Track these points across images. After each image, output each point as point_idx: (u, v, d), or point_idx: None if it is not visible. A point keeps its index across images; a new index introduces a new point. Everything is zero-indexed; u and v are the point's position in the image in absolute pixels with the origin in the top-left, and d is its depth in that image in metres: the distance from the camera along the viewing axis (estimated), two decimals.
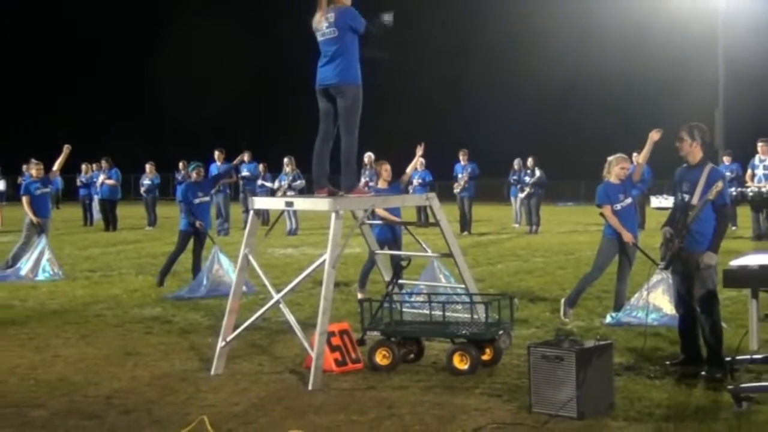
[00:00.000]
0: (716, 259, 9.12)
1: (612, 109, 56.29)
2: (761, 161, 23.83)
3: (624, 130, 29.82)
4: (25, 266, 17.51)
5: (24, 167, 24.16)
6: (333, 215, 9.20)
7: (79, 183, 34.23)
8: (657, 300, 11.71)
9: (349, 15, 9.36)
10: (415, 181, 26.51)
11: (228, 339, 9.66)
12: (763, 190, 23.07)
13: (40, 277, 17.26)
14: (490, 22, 60.33)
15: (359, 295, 13.43)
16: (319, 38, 9.48)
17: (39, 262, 17.54)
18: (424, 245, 12.19)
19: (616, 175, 12.37)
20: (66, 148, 18.31)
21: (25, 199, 18.28)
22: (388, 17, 9.43)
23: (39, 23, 69.29)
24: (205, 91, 67.22)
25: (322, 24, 9.40)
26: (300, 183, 27.96)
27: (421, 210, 26.78)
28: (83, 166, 33.83)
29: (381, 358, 9.58)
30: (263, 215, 13.99)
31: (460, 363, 9.32)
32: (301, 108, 12.61)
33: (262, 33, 64.03)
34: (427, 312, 10.21)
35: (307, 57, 9.79)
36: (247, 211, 10.87)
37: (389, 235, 13.74)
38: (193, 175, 16.77)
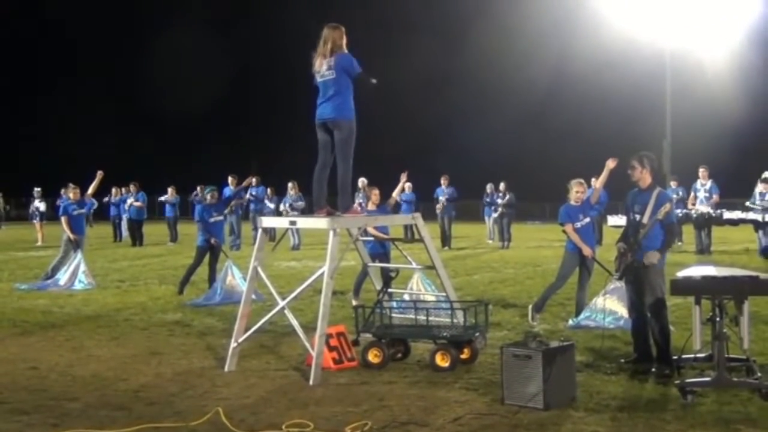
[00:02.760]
0: (657, 258, 9.14)
1: (573, 140, 56.33)
2: (702, 185, 24.01)
3: (584, 158, 29.90)
4: (62, 277, 17.47)
5: (62, 191, 24.13)
6: (331, 233, 9.21)
7: (108, 201, 34.11)
8: (613, 306, 11.72)
9: (346, 60, 9.42)
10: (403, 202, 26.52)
11: (239, 340, 9.65)
12: (704, 211, 23.22)
13: (76, 286, 17.20)
14: (463, 56, 60.16)
15: (354, 302, 13.43)
16: (319, 79, 9.52)
17: (75, 274, 17.50)
18: (410, 259, 12.21)
19: (573, 198, 12.43)
20: (99, 174, 18.34)
21: (63, 219, 18.25)
22: (374, 81, 9.54)
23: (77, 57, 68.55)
24: (224, 126, 67.30)
25: (323, 67, 9.45)
26: (300, 204, 28.05)
27: (408, 228, 26.82)
28: (113, 190, 33.84)
29: (373, 357, 9.58)
30: (270, 232, 13.91)
31: (442, 361, 9.33)
32: (303, 139, 12.64)
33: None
34: (413, 317, 10.23)
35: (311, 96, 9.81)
36: (256, 229, 10.86)
37: (380, 249, 13.75)
38: (208, 197, 16.77)
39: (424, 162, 44.15)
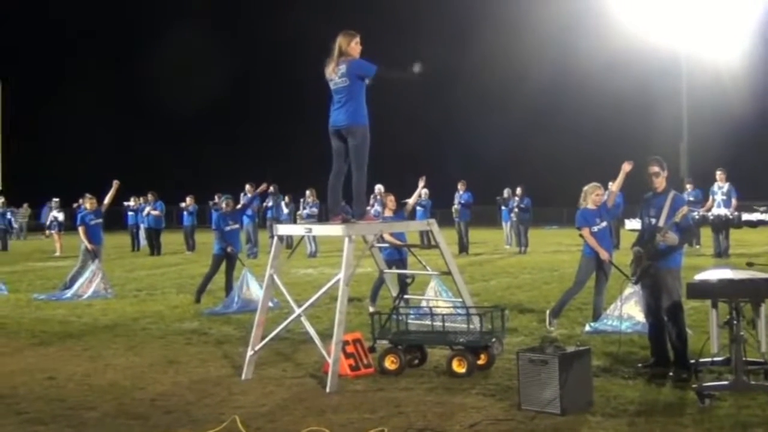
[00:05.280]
0: (674, 241, 9.13)
1: (588, 145, 56.13)
2: (719, 188, 23.84)
3: (599, 162, 29.80)
4: (79, 286, 17.54)
5: (80, 200, 24.27)
6: (346, 240, 9.22)
7: (127, 207, 34.20)
8: (630, 310, 11.68)
9: (358, 66, 9.42)
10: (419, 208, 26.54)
11: (256, 348, 9.67)
12: (721, 214, 23.08)
13: (89, 294, 17.29)
14: (472, 58, 59.85)
15: (370, 309, 13.41)
16: (332, 86, 9.53)
17: (92, 283, 17.59)
18: (426, 265, 12.20)
19: (592, 202, 12.40)
20: (115, 183, 18.39)
21: (81, 229, 18.33)
22: (418, 68, 9.54)
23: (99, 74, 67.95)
24: (239, 136, 67.33)
25: (335, 74, 9.46)
26: (313, 210, 28.16)
27: (424, 234, 26.80)
28: (132, 199, 33.94)
29: (389, 363, 9.57)
30: (286, 240, 13.92)
31: (459, 367, 9.32)
32: (319, 147, 12.66)
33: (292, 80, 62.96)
34: (430, 323, 10.22)
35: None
36: (272, 237, 10.87)
37: (396, 256, 13.74)
38: (224, 205, 16.81)
39: (439, 167, 44.04)
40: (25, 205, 46.65)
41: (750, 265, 8.31)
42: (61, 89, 64.57)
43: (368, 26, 10.45)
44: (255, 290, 15.09)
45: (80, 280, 17.65)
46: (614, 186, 12.93)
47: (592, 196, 12.44)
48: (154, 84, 59.04)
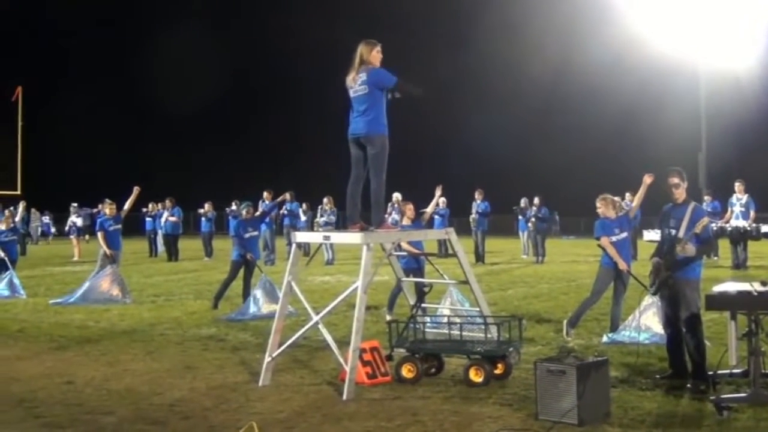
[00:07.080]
0: (692, 252, 9.07)
1: (606, 156, 56.04)
2: (738, 199, 23.71)
3: (617, 173, 29.74)
4: (97, 284, 17.64)
5: (99, 206, 24.38)
6: (364, 248, 9.21)
7: (145, 214, 34.30)
8: (648, 321, 11.64)
9: (378, 75, 9.42)
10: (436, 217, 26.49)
11: (273, 355, 9.67)
12: (740, 225, 22.96)
13: (109, 299, 17.35)
14: (487, 71, 59.66)
15: (388, 317, 13.43)
16: (352, 95, 9.54)
17: (112, 285, 17.66)
18: (443, 274, 12.17)
19: (601, 212, 12.41)
20: (135, 190, 18.45)
21: (100, 234, 18.41)
22: (417, 91, 9.54)
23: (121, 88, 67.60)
24: (255, 141, 67.31)
25: (355, 82, 9.47)
26: (331, 218, 28.14)
27: (442, 243, 26.76)
28: (150, 205, 34.03)
29: (406, 371, 9.57)
30: (304, 247, 13.93)
31: (476, 376, 9.30)
32: (336, 155, 12.68)
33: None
34: (447, 331, 10.21)
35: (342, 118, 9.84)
36: (290, 244, 10.87)
37: (414, 264, 13.75)
38: (244, 212, 16.85)
39: (455, 177, 43.97)
40: (32, 210, 46.80)
41: (764, 284, 8.24)
42: (63, 93, 64.51)
43: (369, 29, 10.47)
44: (268, 307, 14.95)
45: (94, 280, 17.72)
46: (636, 199, 12.94)
47: (598, 205, 12.50)
48: (162, 89, 59.02)
